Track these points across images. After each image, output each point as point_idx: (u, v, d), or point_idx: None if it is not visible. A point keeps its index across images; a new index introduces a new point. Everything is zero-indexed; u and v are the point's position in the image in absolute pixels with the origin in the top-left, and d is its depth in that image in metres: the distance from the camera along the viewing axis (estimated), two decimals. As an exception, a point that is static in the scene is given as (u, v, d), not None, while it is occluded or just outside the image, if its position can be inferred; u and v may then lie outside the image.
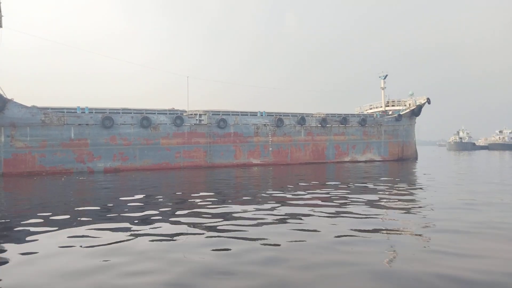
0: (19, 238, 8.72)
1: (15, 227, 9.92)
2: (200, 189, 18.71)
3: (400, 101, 50.49)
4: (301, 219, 10.44)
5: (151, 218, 10.81)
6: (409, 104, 48.91)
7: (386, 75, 50.90)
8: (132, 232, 9.07)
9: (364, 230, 9.10)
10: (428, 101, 48.69)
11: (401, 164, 38.12)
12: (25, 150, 27.81)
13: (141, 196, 15.61)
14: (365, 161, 42.81)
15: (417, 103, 48.48)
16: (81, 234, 8.93)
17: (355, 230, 9.04)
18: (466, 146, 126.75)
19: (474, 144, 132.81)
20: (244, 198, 14.94)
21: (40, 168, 28.17)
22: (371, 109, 52.12)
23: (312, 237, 8.55)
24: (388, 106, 50.78)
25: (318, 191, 16.56)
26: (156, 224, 9.98)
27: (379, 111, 50.25)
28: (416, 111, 48.08)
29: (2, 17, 29.90)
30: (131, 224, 9.99)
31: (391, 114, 48.84)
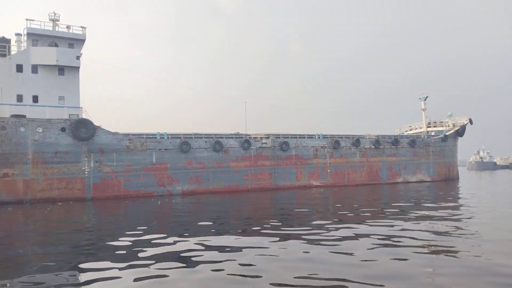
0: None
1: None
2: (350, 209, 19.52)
3: (442, 122, 51.41)
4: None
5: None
6: (450, 125, 49.80)
7: (427, 97, 52.02)
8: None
9: None
10: (470, 121, 49.47)
11: (458, 186, 38.58)
12: (112, 174, 28.90)
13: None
14: (416, 182, 43.39)
15: (459, 124, 49.39)
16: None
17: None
18: (487, 166, 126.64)
19: (495, 163, 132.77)
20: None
21: (125, 192, 29.16)
22: (410, 130, 53.04)
23: None
24: (429, 127, 51.73)
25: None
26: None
27: (418, 132, 51.18)
28: (461, 132, 48.91)
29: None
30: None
31: (433, 135, 49.72)
